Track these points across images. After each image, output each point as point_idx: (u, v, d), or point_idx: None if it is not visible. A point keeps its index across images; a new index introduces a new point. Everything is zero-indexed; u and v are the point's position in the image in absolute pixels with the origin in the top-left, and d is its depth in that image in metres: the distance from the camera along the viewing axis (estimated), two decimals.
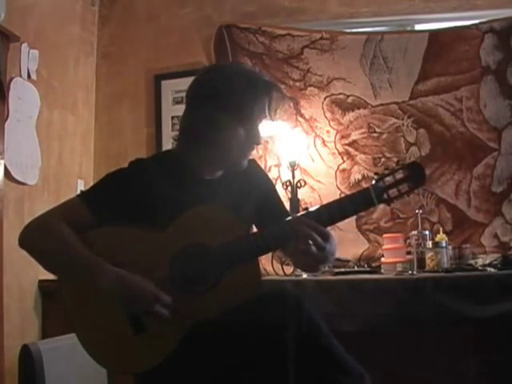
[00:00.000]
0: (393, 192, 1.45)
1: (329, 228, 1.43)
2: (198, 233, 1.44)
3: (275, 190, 1.73)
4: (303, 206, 2.91)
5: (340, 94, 3.00)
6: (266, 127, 1.61)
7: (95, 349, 1.44)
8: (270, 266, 2.57)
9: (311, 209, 1.45)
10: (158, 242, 1.44)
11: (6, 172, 2.50)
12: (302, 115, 3.01)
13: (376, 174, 1.49)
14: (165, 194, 1.47)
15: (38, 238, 1.47)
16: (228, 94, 1.49)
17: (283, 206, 1.72)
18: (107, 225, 1.46)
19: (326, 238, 1.39)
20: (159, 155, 1.83)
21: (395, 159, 2.91)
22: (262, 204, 1.61)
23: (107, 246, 1.43)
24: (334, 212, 1.44)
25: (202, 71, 1.62)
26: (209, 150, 1.53)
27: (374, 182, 1.46)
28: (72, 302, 1.47)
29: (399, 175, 1.46)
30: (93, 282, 1.39)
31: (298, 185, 2.85)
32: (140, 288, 1.36)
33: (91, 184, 1.60)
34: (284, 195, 2.90)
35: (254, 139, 1.54)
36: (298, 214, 1.46)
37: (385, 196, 1.45)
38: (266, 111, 1.55)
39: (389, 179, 1.46)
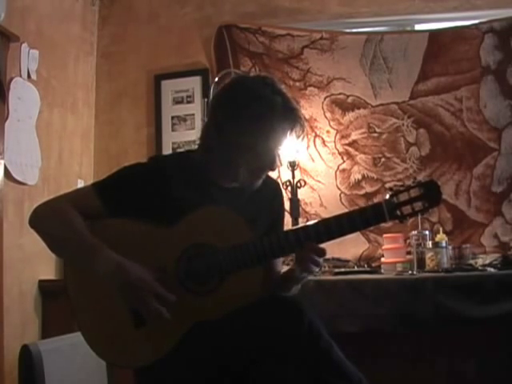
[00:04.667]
0: (406, 209, 1.43)
1: None
2: (206, 232, 1.44)
3: (282, 220, 1.73)
4: (303, 207, 2.92)
5: (340, 94, 3.00)
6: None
7: (96, 342, 1.44)
8: None
9: (320, 220, 1.45)
10: (166, 238, 1.44)
11: (6, 172, 2.50)
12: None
13: (390, 189, 1.46)
14: (180, 194, 1.47)
15: (47, 219, 1.48)
16: (249, 116, 1.46)
17: None
18: (117, 217, 1.47)
19: (322, 254, 1.43)
20: (178, 155, 1.83)
21: (395, 159, 2.92)
22: (268, 227, 1.59)
23: (115, 238, 1.43)
24: (343, 225, 1.43)
25: (229, 79, 1.59)
26: (221, 163, 1.52)
27: (387, 196, 1.44)
28: (75, 293, 1.47)
29: (414, 193, 1.43)
30: (93, 267, 1.38)
31: (298, 185, 2.85)
32: (138, 278, 1.36)
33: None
34: (284, 195, 2.90)
35: (267, 163, 1.51)
36: (307, 224, 1.46)
37: (397, 212, 1.43)
38: (286, 137, 1.51)
39: (403, 196, 1.43)
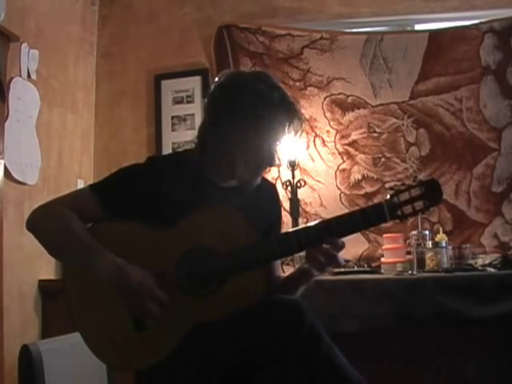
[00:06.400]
0: (407, 209, 1.42)
1: None
2: (206, 234, 1.43)
3: (280, 224, 1.71)
4: (303, 207, 2.92)
5: (340, 94, 3.00)
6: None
7: (97, 344, 1.43)
8: None
9: (320, 220, 1.44)
10: (165, 241, 1.44)
11: (6, 172, 2.50)
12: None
13: (391, 188, 1.45)
14: (178, 194, 1.46)
15: (45, 223, 1.46)
16: (246, 111, 1.45)
17: None
18: (116, 219, 1.46)
19: (340, 248, 1.44)
20: (175, 155, 1.82)
21: (395, 159, 2.92)
22: (266, 230, 1.57)
23: (114, 241, 1.42)
24: (344, 225, 1.43)
25: (225, 76, 1.55)
26: (218, 160, 1.51)
27: (388, 197, 1.43)
28: (75, 296, 1.47)
29: (415, 192, 1.42)
30: (93, 269, 1.38)
31: (298, 185, 2.85)
32: (138, 282, 1.34)
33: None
34: (284, 195, 2.91)
35: (266, 160, 1.50)
36: (308, 225, 1.45)
37: (398, 212, 1.42)
38: (285, 133, 1.50)
39: (403, 195, 1.42)
